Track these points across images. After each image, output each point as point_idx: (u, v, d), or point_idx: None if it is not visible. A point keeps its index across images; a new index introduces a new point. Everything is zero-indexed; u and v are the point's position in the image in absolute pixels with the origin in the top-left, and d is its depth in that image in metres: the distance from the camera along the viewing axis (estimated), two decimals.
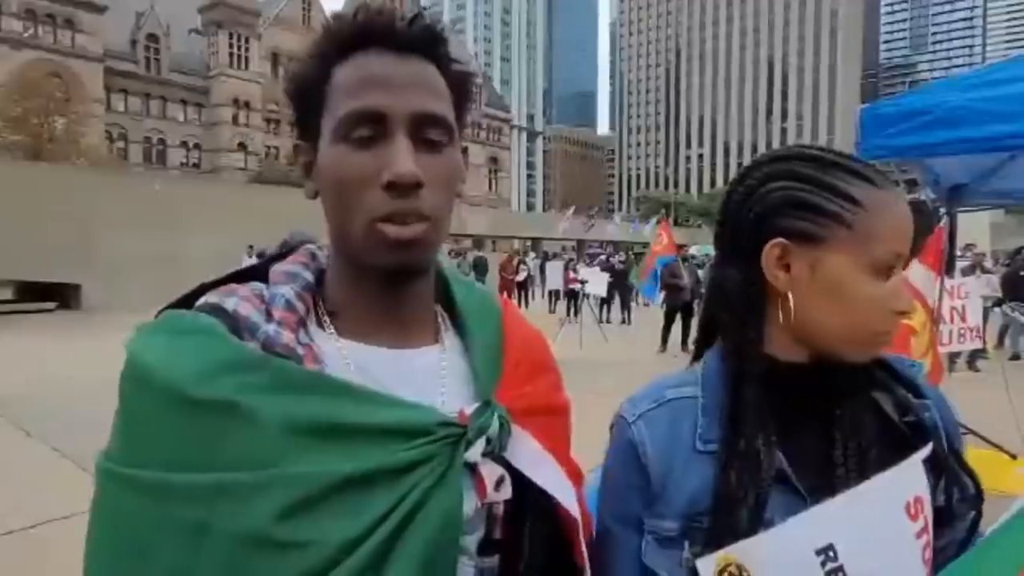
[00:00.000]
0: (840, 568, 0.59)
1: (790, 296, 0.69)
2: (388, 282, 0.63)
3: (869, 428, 0.70)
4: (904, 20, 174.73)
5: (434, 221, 0.60)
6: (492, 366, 0.68)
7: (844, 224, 0.65)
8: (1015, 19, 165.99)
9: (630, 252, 23.17)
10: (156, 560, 0.52)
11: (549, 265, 18.09)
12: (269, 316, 0.61)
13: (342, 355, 0.62)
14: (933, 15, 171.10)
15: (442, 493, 0.56)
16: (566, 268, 15.17)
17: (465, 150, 0.67)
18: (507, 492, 0.62)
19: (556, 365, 0.79)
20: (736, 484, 0.68)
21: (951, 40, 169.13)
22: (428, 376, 0.65)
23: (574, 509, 0.66)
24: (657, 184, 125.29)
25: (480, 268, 18.53)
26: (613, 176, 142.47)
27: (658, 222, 12.38)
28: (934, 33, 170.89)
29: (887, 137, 2.50)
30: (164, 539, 0.52)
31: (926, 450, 0.65)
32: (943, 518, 0.68)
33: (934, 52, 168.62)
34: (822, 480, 0.67)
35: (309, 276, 0.66)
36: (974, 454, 4.33)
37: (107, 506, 0.56)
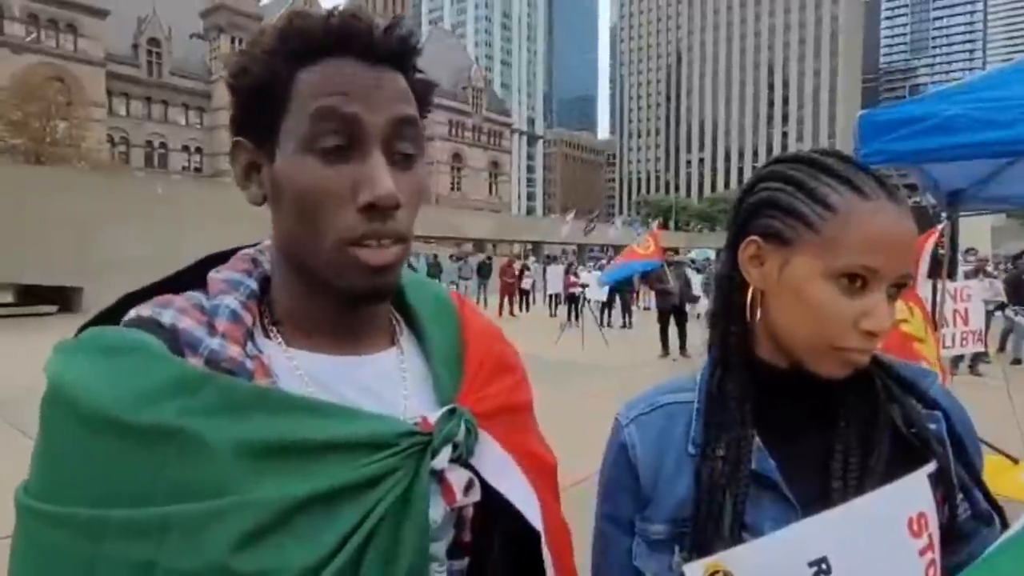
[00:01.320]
0: None
1: (760, 294, 0.69)
2: (349, 303, 0.59)
3: (874, 440, 0.68)
4: (904, 25, 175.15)
5: (407, 243, 0.58)
6: (453, 368, 0.65)
7: (812, 228, 0.64)
8: (1015, 23, 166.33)
9: None
10: None
11: (549, 269, 18.11)
12: (212, 329, 0.56)
13: (293, 366, 0.58)
14: (933, 19, 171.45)
15: (408, 505, 0.53)
16: (567, 272, 15.18)
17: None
18: (476, 495, 0.60)
19: (519, 361, 0.75)
20: (711, 484, 0.68)
21: (951, 45, 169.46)
22: (387, 382, 0.61)
23: (536, 520, 0.63)
24: (658, 188, 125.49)
25: (484, 271, 18.56)
26: (614, 180, 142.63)
27: (653, 227, 12.40)
28: (934, 37, 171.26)
29: (885, 143, 2.51)
30: None
31: (931, 466, 0.64)
32: (955, 535, 0.67)
33: (934, 57, 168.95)
34: (816, 491, 0.66)
35: (253, 284, 0.61)
36: None
37: (31, 548, 0.50)
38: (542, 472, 0.70)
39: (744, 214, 0.71)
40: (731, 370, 0.72)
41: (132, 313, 0.57)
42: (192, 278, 0.63)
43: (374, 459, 0.53)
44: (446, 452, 0.57)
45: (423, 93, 0.62)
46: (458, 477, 0.58)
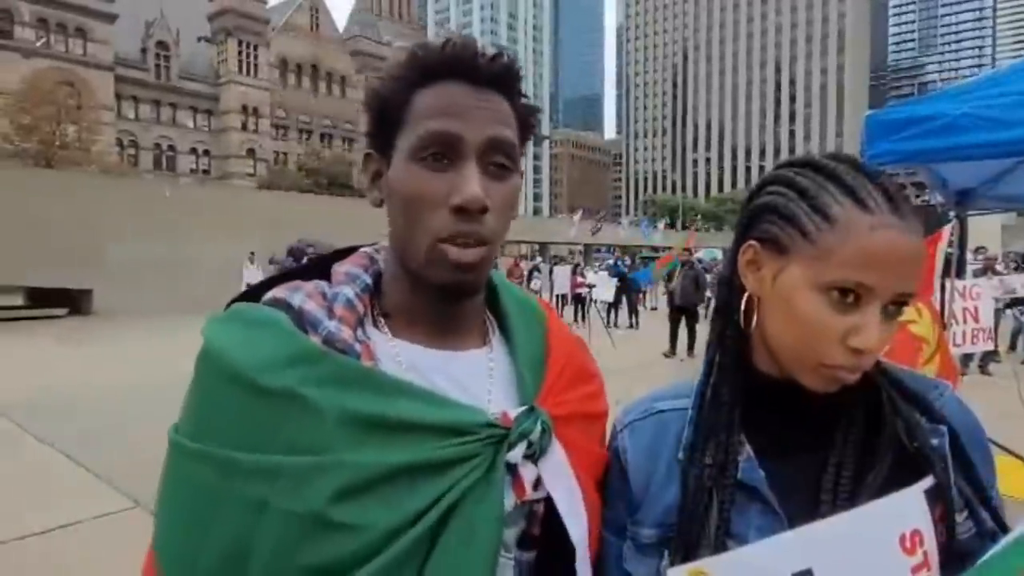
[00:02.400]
0: None
1: (756, 300, 0.69)
2: (441, 297, 0.67)
3: (876, 456, 0.66)
4: (912, 22, 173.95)
5: (492, 245, 0.65)
6: (536, 371, 0.71)
7: (807, 238, 0.63)
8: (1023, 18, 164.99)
9: (637, 256, 23.13)
10: (217, 529, 0.57)
11: (556, 270, 18.09)
12: (331, 313, 0.65)
13: (395, 354, 0.66)
14: (941, 16, 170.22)
15: (484, 489, 0.59)
16: (573, 272, 15.16)
17: (521, 174, 0.70)
18: (543, 492, 0.65)
19: (598, 371, 0.81)
20: (697, 488, 0.68)
21: (960, 42, 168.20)
22: (475, 377, 0.68)
23: (576, 532, 0.67)
24: (664, 188, 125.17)
25: None
26: (620, 180, 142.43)
27: (666, 227, 12.46)
28: (943, 35, 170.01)
29: (893, 143, 2.49)
30: (225, 511, 0.57)
31: (927, 482, 0.62)
32: (959, 554, 0.64)
33: (942, 54, 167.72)
34: (806, 505, 0.65)
35: (368, 278, 0.70)
36: None
37: (175, 476, 0.62)
38: (600, 474, 0.75)
39: (747, 217, 0.71)
40: (724, 374, 0.72)
41: (269, 294, 0.68)
42: (321, 268, 0.72)
43: (456, 442, 0.59)
44: (521, 447, 0.62)
45: (527, 116, 0.69)
46: (529, 472, 0.64)
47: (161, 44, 52.89)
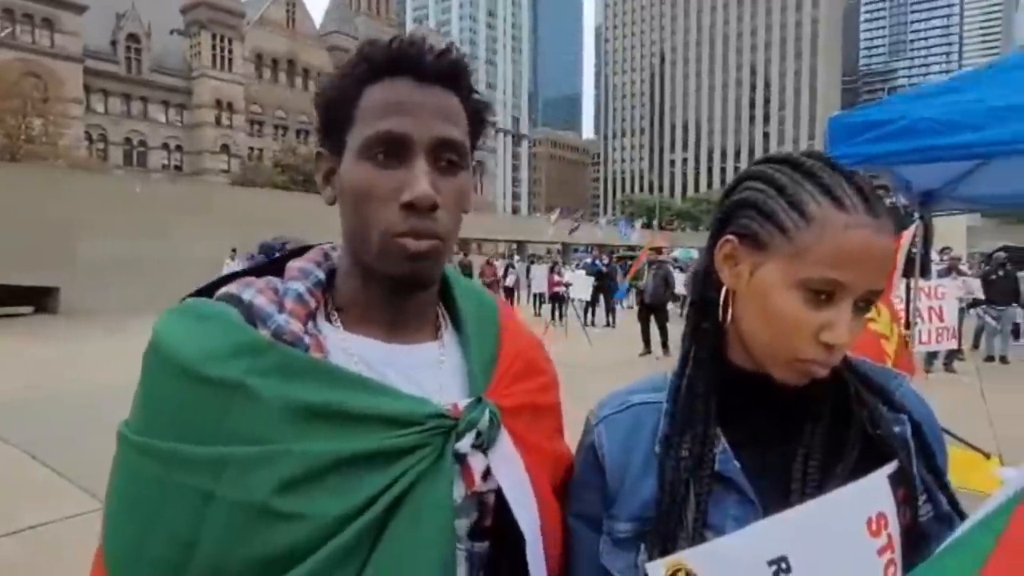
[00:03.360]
0: None
1: (732, 294, 0.70)
2: (396, 289, 0.68)
3: (844, 444, 0.69)
4: (883, 27, 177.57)
5: (444, 239, 0.66)
6: (487, 364, 0.72)
7: (786, 235, 0.64)
8: (990, 27, 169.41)
9: (614, 255, 23.29)
10: (164, 521, 0.57)
11: (534, 268, 18.13)
12: (281, 307, 0.66)
13: (346, 347, 0.67)
14: (912, 22, 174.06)
15: (433, 478, 0.60)
16: (551, 271, 15.22)
17: (478, 164, 0.72)
18: (493, 483, 0.66)
19: (551, 367, 0.82)
20: (674, 480, 0.69)
21: (929, 47, 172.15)
22: (426, 370, 0.69)
23: (525, 521, 0.67)
24: (642, 188, 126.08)
25: (465, 272, 18.57)
26: (598, 179, 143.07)
27: (643, 226, 12.63)
28: (912, 40, 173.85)
29: (855, 145, 2.56)
30: (172, 503, 0.57)
31: (891, 466, 0.65)
32: (918, 536, 0.67)
33: (912, 59, 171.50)
34: (780, 493, 0.67)
35: (321, 274, 0.71)
36: (950, 454, 4.42)
37: (122, 470, 0.62)
38: (556, 470, 0.76)
39: (725, 212, 0.71)
40: (699, 367, 0.73)
41: (223, 290, 0.69)
42: (276, 267, 0.74)
43: (405, 432, 0.60)
44: (469, 437, 0.63)
45: (477, 111, 0.70)
46: (478, 462, 0.65)
47: (132, 36, 51.70)
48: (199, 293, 0.71)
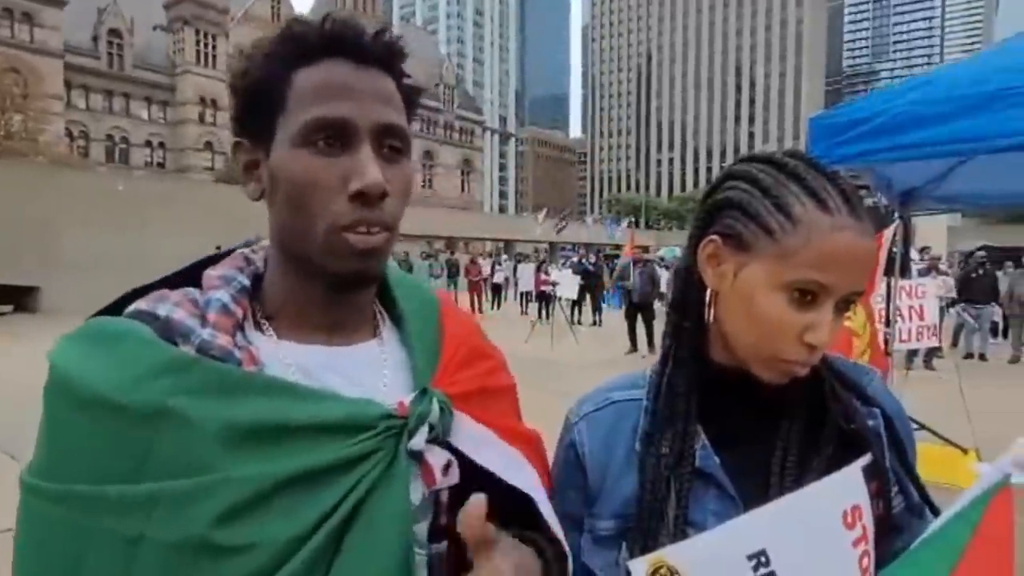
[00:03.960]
0: (772, 573, 0.60)
1: (715, 294, 0.70)
2: (339, 288, 0.63)
3: (821, 440, 0.69)
4: (866, 28, 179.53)
5: (392, 230, 0.62)
6: (431, 355, 0.69)
7: (772, 236, 0.64)
8: (971, 27, 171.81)
9: (601, 254, 23.36)
10: (87, 573, 0.51)
11: (521, 267, 18.16)
12: (204, 321, 0.60)
13: (281, 356, 0.61)
14: (894, 24, 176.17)
15: (388, 485, 0.56)
16: (538, 270, 15.24)
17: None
18: (455, 476, 0.62)
19: (495, 351, 0.79)
20: (655, 477, 0.69)
21: (911, 48, 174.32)
22: (368, 369, 0.65)
23: (524, 482, 0.65)
24: (628, 187, 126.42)
25: (453, 270, 18.54)
26: (585, 178, 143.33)
27: (629, 225, 12.69)
28: (895, 41, 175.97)
29: (835, 145, 2.59)
30: (96, 553, 0.51)
31: (864, 459, 0.65)
32: (888, 526, 0.68)
33: (895, 60, 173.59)
34: (759, 488, 0.68)
35: (245, 280, 0.65)
36: (929, 450, 4.49)
37: (34, 522, 0.55)
38: (527, 446, 0.72)
39: (708, 211, 0.71)
40: (680, 365, 0.73)
41: (132, 307, 0.62)
42: (192, 275, 0.67)
43: (354, 441, 0.56)
44: (422, 432, 0.59)
45: (410, 97, 0.66)
46: (437, 457, 0.61)
47: (114, 32, 50.98)
48: (106, 311, 0.63)
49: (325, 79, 0.59)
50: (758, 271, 0.65)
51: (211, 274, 0.65)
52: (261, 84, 0.61)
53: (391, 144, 0.62)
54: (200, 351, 0.57)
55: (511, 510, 0.63)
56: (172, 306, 0.61)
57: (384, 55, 0.62)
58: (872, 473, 0.66)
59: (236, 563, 0.50)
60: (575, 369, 8.36)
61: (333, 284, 0.63)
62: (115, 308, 0.63)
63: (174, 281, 0.66)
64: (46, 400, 0.57)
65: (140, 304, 0.62)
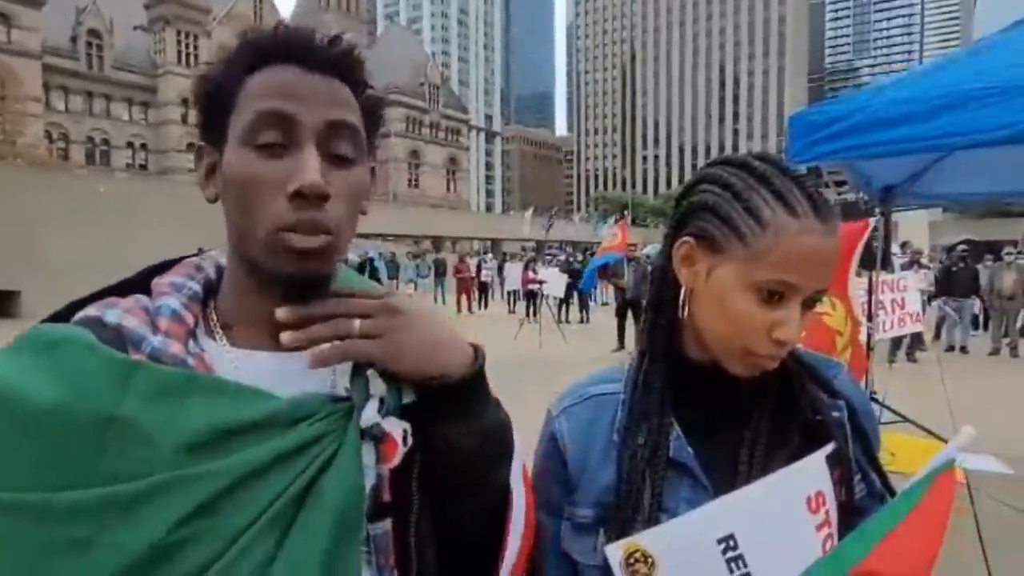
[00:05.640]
0: (740, 556, 0.64)
1: (689, 292, 0.74)
2: (286, 290, 0.62)
3: (783, 428, 0.73)
4: (847, 26, 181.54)
5: (336, 234, 0.60)
6: None
7: (742, 240, 0.67)
8: (949, 26, 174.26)
9: (588, 252, 23.42)
10: None
11: (507, 266, 18.17)
12: (155, 328, 0.59)
13: (235, 364, 0.61)
14: (875, 21, 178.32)
15: (338, 464, 0.56)
16: (525, 268, 15.26)
17: (372, 170, 0.67)
18: (410, 441, 0.61)
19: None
20: (631, 468, 0.73)
21: (891, 46, 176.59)
22: (318, 375, 0.63)
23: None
24: (615, 185, 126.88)
25: (440, 269, 18.51)
26: (571, 176, 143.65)
27: (616, 221, 12.72)
28: (875, 39, 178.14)
29: (814, 143, 2.64)
30: (48, 561, 0.51)
31: (828, 448, 0.69)
32: (853, 512, 0.72)
33: (875, 57, 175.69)
34: (729, 477, 0.71)
35: (196, 287, 0.65)
36: (910, 441, 4.56)
37: None
38: None
39: (682, 212, 0.74)
40: (655, 362, 0.77)
41: (79, 314, 0.61)
42: (140, 284, 0.66)
43: (300, 427, 0.56)
44: (372, 404, 0.59)
45: (372, 107, 0.66)
46: (395, 426, 0.60)
47: (93, 32, 50.34)
48: (54, 318, 0.63)
49: (272, 79, 0.60)
50: (729, 271, 0.68)
51: (161, 281, 0.65)
52: (218, 89, 0.62)
53: (340, 150, 0.61)
54: (152, 358, 0.57)
55: (444, 492, 0.64)
56: (122, 312, 0.60)
57: (337, 62, 0.62)
58: (835, 462, 0.70)
59: (186, 555, 0.51)
60: (563, 367, 8.38)
61: (279, 287, 0.61)
62: (63, 316, 0.62)
63: (122, 289, 0.66)
64: None
65: (89, 311, 0.61)
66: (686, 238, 0.72)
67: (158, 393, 0.54)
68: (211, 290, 0.67)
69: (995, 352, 10.08)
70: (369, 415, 0.59)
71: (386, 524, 0.62)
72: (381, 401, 0.60)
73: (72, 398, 0.53)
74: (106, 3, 50.08)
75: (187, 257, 0.71)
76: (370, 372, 0.62)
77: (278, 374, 0.61)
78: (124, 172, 49.52)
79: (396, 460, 0.60)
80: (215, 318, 0.65)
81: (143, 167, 53.39)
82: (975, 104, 2.29)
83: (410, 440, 0.61)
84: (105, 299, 0.63)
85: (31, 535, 0.51)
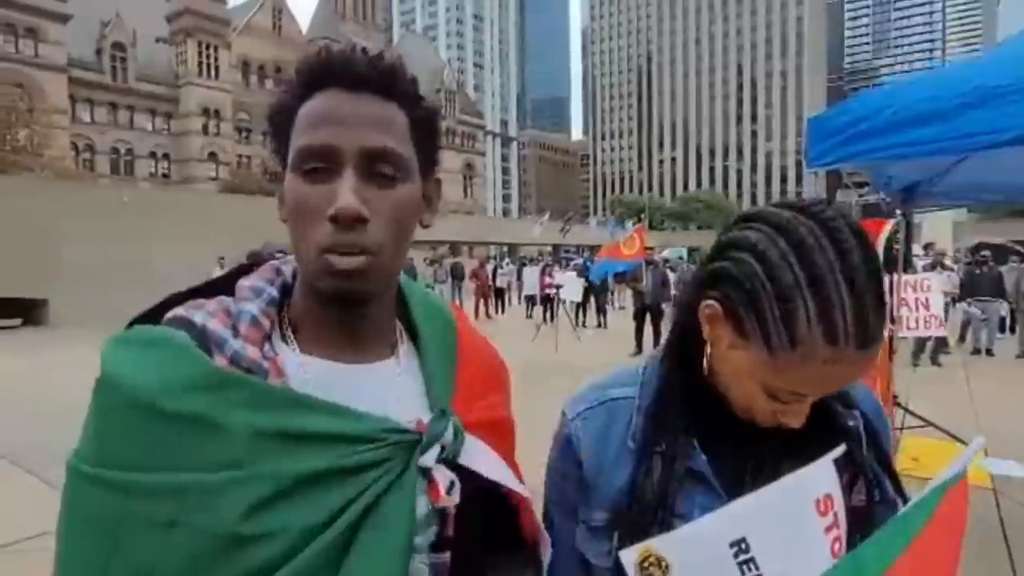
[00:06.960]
0: (752, 559, 0.65)
1: (708, 347, 0.73)
2: (338, 305, 0.66)
3: (796, 436, 0.73)
4: (867, 25, 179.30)
5: (377, 254, 0.63)
6: (446, 379, 0.73)
7: (767, 343, 0.64)
8: (971, 23, 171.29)
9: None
10: (120, 554, 0.56)
11: (525, 271, 18.17)
12: (236, 332, 0.64)
13: (303, 369, 0.66)
14: (895, 20, 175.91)
15: (397, 492, 0.61)
16: (542, 272, 15.25)
17: (437, 181, 0.72)
18: (456, 497, 0.65)
19: (506, 380, 0.83)
20: (649, 480, 0.73)
21: (911, 44, 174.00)
22: (382, 388, 0.68)
23: (524, 491, 0.71)
24: (631, 188, 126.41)
25: (457, 274, 18.55)
26: (588, 180, 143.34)
27: (633, 226, 12.69)
28: (895, 38, 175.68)
29: (833, 146, 2.60)
30: (131, 534, 0.56)
31: (837, 451, 0.70)
32: (863, 517, 0.73)
33: (895, 57, 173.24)
34: (741, 482, 0.73)
35: (274, 292, 0.70)
36: (934, 445, 4.48)
37: (75, 503, 0.60)
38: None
39: (720, 266, 0.70)
40: (675, 381, 0.78)
41: (171, 313, 0.67)
42: (225, 285, 0.72)
43: (367, 448, 0.61)
44: (434, 451, 0.64)
45: (422, 119, 0.68)
46: (443, 476, 0.64)
47: (117, 45, 51.42)
48: (146, 315, 0.69)
49: (316, 108, 0.63)
50: (747, 360, 0.67)
51: (243, 284, 0.70)
52: (277, 119, 0.67)
53: (381, 169, 0.63)
54: (232, 361, 0.62)
55: (500, 532, 0.70)
56: (207, 315, 0.65)
57: (380, 80, 0.64)
58: (844, 466, 0.71)
59: (258, 551, 0.55)
60: (580, 371, 8.34)
61: (329, 303, 0.66)
62: (155, 313, 0.69)
63: (207, 291, 0.71)
64: (96, 393, 0.62)
65: (178, 311, 0.66)
66: (710, 301, 0.69)
67: (246, 403, 0.59)
68: (287, 293, 0.71)
69: (1022, 355, 9.88)
70: (429, 458, 0.63)
71: (445, 556, 0.68)
72: (443, 448, 0.65)
73: (171, 396, 0.58)
74: (129, 16, 51.15)
75: (274, 256, 0.75)
76: (452, 420, 0.66)
77: (342, 381, 0.66)
78: (147, 181, 50.44)
79: (440, 503, 0.65)
80: (288, 322, 0.70)
81: (166, 176, 54.34)
82: (999, 101, 2.24)
83: (456, 495, 0.65)
84: (194, 300, 0.68)
85: (115, 508, 0.57)
